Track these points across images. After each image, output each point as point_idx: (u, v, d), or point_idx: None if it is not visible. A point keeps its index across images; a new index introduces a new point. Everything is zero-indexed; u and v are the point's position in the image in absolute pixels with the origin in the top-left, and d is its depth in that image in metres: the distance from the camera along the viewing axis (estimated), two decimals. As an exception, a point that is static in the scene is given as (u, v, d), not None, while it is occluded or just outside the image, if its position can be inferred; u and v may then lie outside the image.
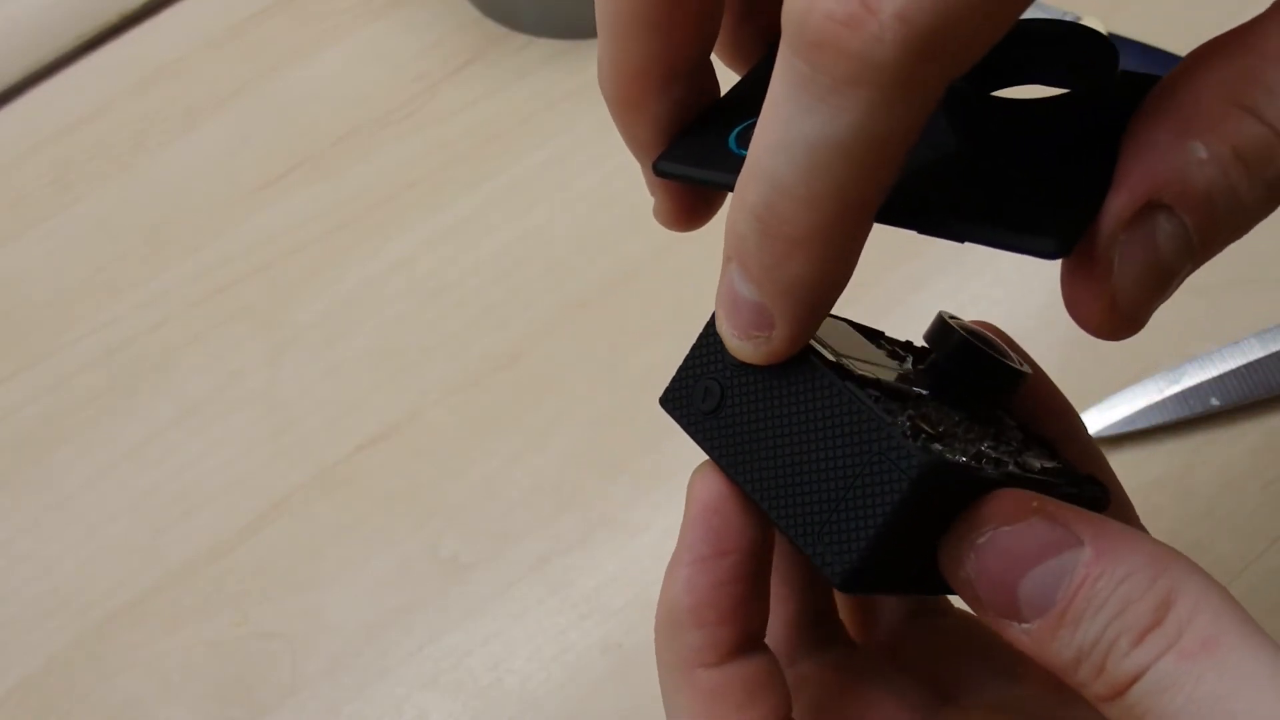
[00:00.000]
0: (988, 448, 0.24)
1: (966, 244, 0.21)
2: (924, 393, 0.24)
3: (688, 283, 0.49)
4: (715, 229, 0.54)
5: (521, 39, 0.57)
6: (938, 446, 0.22)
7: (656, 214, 0.25)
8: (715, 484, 0.24)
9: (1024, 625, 0.21)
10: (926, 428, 0.23)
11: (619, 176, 0.52)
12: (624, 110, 0.24)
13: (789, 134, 0.18)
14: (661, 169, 0.24)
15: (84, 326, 0.51)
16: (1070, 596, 0.20)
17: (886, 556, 0.22)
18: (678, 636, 0.24)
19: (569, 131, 0.54)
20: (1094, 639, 0.20)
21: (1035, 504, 0.21)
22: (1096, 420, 0.43)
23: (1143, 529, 0.26)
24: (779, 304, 0.20)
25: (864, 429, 0.22)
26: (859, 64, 0.17)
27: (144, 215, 0.54)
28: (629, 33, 0.23)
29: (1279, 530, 0.42)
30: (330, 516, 0.45)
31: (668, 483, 0.44)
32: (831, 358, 0.23)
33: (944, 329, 0.26)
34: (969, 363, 0.25)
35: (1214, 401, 0.42)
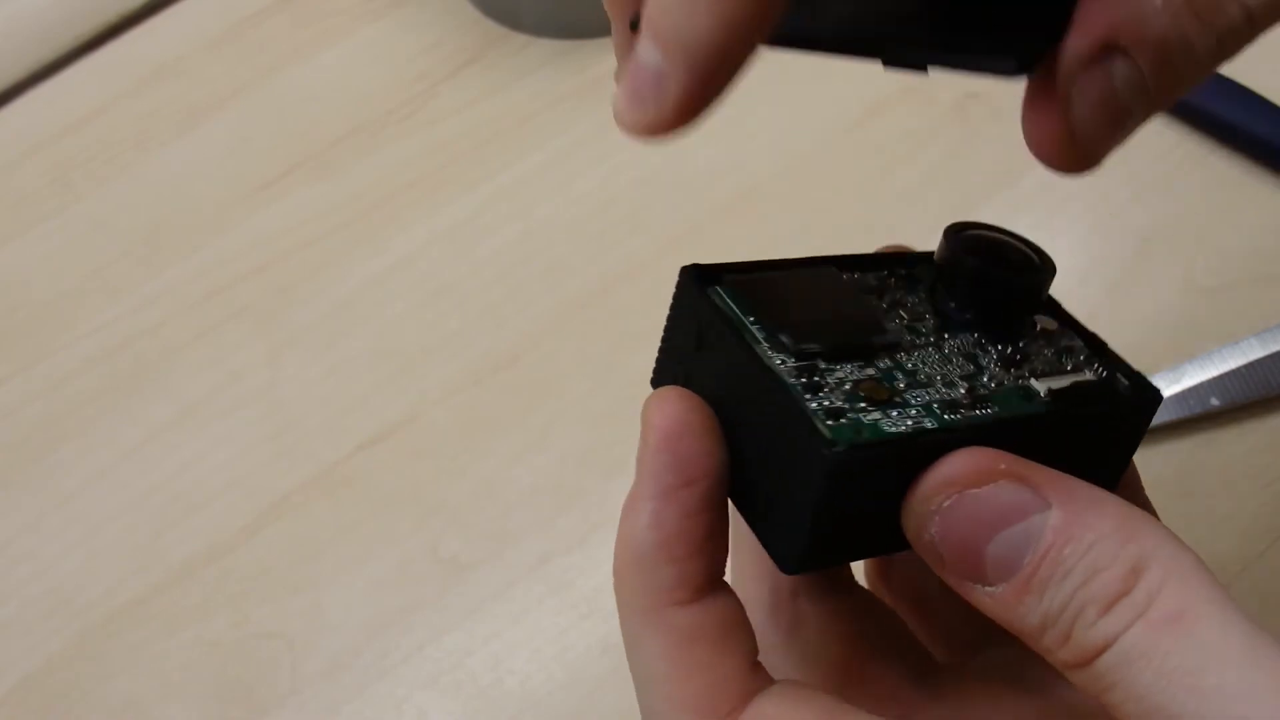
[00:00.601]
0: (969, 388, 0.23)
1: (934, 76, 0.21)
2: (898, 339, 0.24)
3: (688, 283, 0.49)
4: (710, 239, 0.54)
5: (521, 39, 0.57)
6: (874, 416, 0.22)
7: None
8: (675, 408, 0.23)
9: (989, 589, 0.20)
10: (862, 400, 0.22)
11: (619, 176, 0.53)
12: None
13: None
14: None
15: (84, 326, 0.51)
16: (1037, 562, 0.20)
17: (832, 536, 0.22)
18: (645, 575, 0.22)
19: (569, 131, 0.54)
20: (1060, 606, 0.20)
21: (1003, 465, 0.20)
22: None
23: (1152, 511, 0.25)
24: (677, 60, 0.19)
25: (786, 413, 0.22)
26: None
27: (144, 215, 0.54)
28: None
29: (1279, 530, 0.42)
30: (330, 516, 0.45)
31: (668, 483, 0.44)
32: (781, 335, 0.23)
33: (949, 252, 0.26)
34: (977, 289, 0.25)
35: (1214, 401, 0.42)
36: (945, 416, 0.22)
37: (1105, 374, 0.25)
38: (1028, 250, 0.26)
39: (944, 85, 0.53)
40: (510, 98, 0.55)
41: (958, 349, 0.24)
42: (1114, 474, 0.25)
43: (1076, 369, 0.24)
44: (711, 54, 0.19)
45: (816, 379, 0.22)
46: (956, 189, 0.50)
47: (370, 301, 0.50)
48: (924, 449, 0.21)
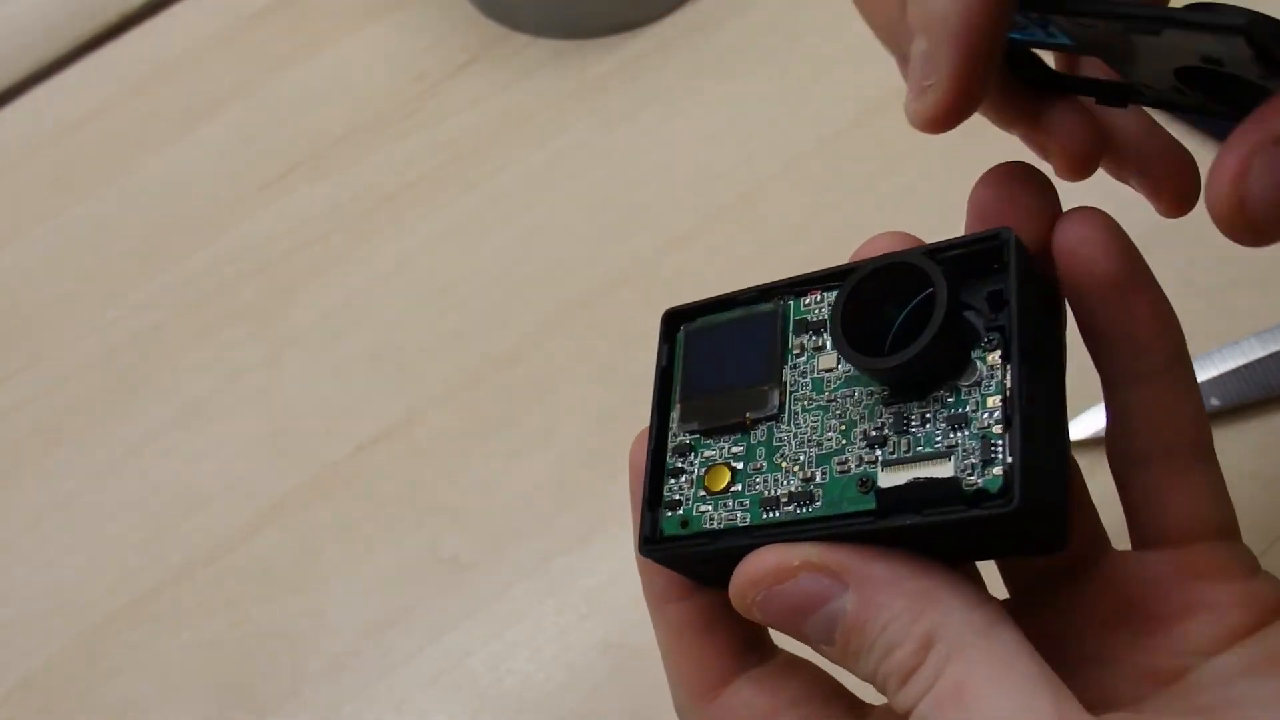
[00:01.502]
0: (804, 477, 0.24)
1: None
2: (775, 412, 0.25)
3: (688, 283, 0.49)
4: (710, 239, 0.54)
5: (521, 39, 0.57)
6: (704, 509, 0.25)
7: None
8: (644, 449, 0.26)
9: (822, 648, 0.23)
10: (702, 488, 0.25)
11: (619, 176, 0.53)
12: None
13: None
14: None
15: (84, 326, 0.51)
16: (845, 639, 0.22)
17: (692, 575, 0.26)
18: (649, 576, 0.27)
19: (569, 131, 0.54)
20: (870, 674, 0.22)
21: (797, 561, 0.22)
22: (1098, 421, 0.43)
23: (1224, 498, 0.26)
24: (941, 42, 0.21)
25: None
26: None
27: (144, 215, 0.54)
28: None
29: (1279, 531, 0.42)
30: (330, 516, 0.45)
31: (668, 483, 0.44)
32: (681, 405, 0.26)
33: (840, 305, 0.24)
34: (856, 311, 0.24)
35: (1214, 401, 0.42)
36: (764, 514, 0.24)
37: (975, 461, 0.22)
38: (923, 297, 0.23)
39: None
40: (510, 98, 0.55)
41: (839, 412, 0.24)
42: (985, 555, 0.25)
43: (942, 453, 0.22)
44: (966, 23, 0.20)
45: (681, 464, 0.26)
46: (956, 189, 0.50)
47: (370, 301, 0.50)
48: (731, 549, 0.24)
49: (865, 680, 0.23)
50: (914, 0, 0.21)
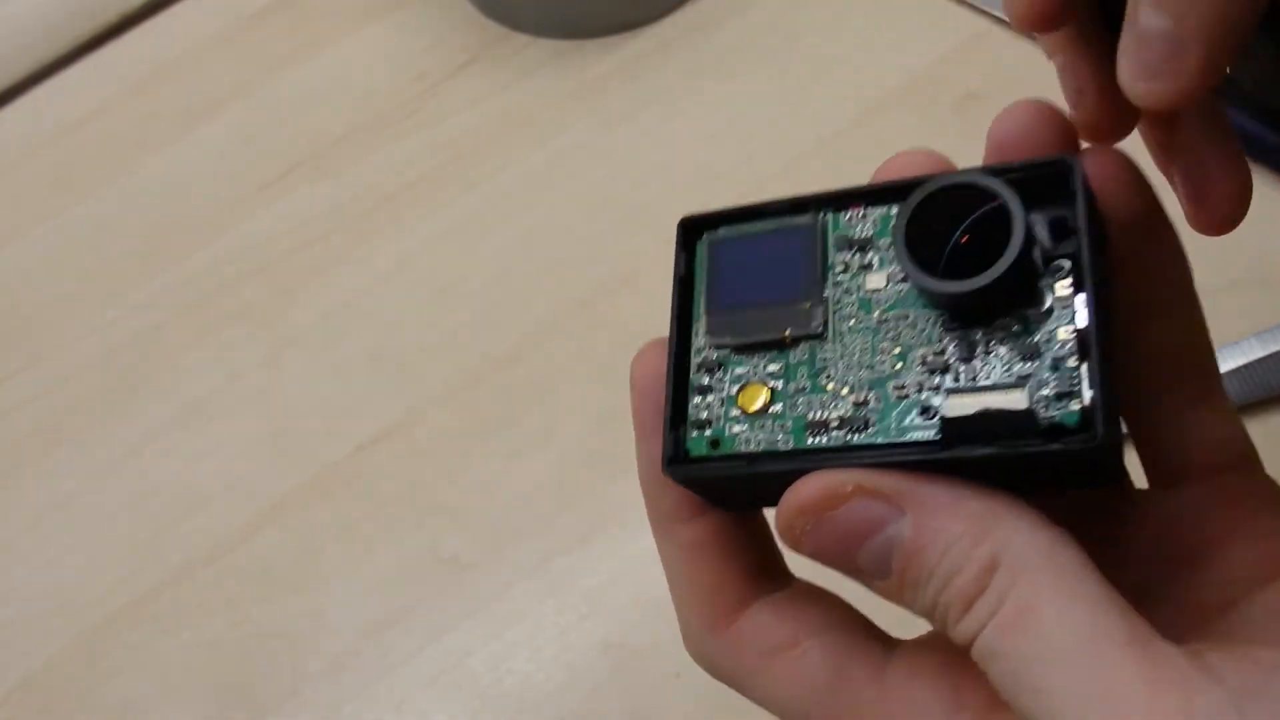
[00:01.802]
0: (858, 401, 0.22)
1: None
2: (819, 330, 0.23)
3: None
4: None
5: (521, 39, 0.57)
6: (738, 429, 0.23)
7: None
8: (651, 361, 0.25)
9: (877, 582, 0.22)
10: (736, 407, 0.23)
11: (619, 176, 0.52)
12: None
13: None
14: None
15: (84, 326, 0.51)
16: (901, 568, 0.21)
17: (720, 501, 0.25)
18: (653, 499, 0.25)
19: (569, 131, 0.54)
20: (930, 604, 0.21)
21: (850, 485, 0.21)
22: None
23: (1266, 478, 0.25)
24: (1193, 26, 0.19)
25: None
26: None
27: (144, 215, 0.54)
28: None
29: None
30: (330, 516, 0.45)
31: (668, 483, 0.44)
32: (708, 319, 0.24)
33: (909, 218, 0.23)
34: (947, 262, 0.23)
35: (1214, 401, 0.42)
36: (809, 439, 0.23)
37: (1051, 393, 0.21)
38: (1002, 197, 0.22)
39: (944, 85, 0.53)
40: (510, 98, 0.55)
41: (893, 334, 0.23)
42: (1044, 490, 0.23)
43: (1014, 384, 0.21)
44: (1231, 14, 0.19)
45: (708, 381, 0.24)
46: (956, 189, 0.50)
47: (370, 301, 0.50)
48: (772, 474, 0.23)
49: (923, 615, 0.21)
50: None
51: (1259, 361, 0.43)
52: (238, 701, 0.42)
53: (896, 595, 0.21)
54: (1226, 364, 0.42)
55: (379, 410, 0.47)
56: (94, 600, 0.44)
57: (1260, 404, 0.43)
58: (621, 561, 0.43)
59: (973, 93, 0.52)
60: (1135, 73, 0.20)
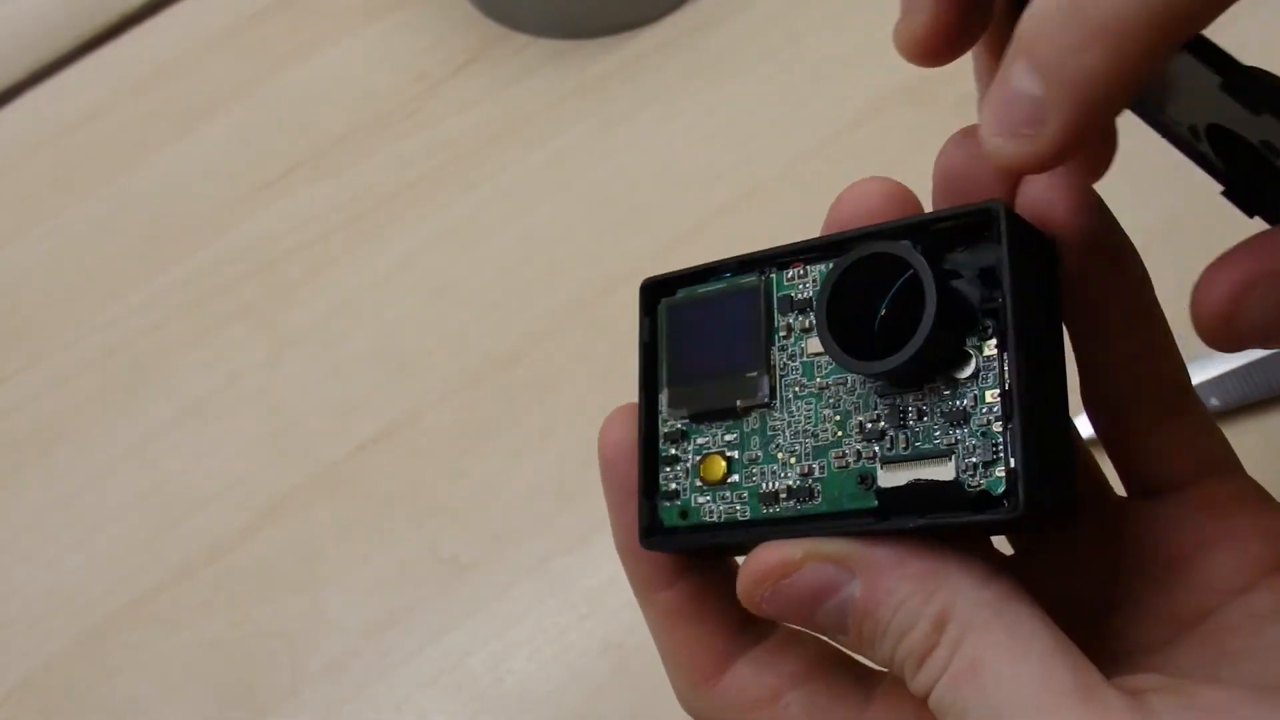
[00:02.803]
0: (803, 471, 0.23)
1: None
2: (765, 400, 0.24)
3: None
4: (710, 239, 0.54)
5: (521, 39, 0.57)
6: (703, 500, 0.24)
7: (906, 30, 0.22)
8: (615, 434, 0.26)
9: (838, 638, 0.23)
10: (699, 478, 0.24)
11: (619, 176, 0.52)
12: None
13: None
14: None
15: (84, 326, 0.51)
16: (857, 627, 0.22)
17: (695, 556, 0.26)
18: (630, 568, 0.26)
19: (569, 131, 0.54)
20: (887, 659, 0.22)
21: (800, 553, 0.22)
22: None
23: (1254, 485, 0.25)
24: (1061, 95, 0.19)
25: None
26: None
27: (144, 215, 0.54)
28: None
29: (1279, 530, 0.42)
30: (330, 516, 0.45)
31: (668, 483, 0.44)
32: (669, 390, 0.25)
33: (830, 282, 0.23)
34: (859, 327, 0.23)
35: (1214, 401, 0.42)
36: (764, 509, 0.24)
37: (977, 461, 0.21)
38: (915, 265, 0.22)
39: (944, 85, 0.53)
40: (510, 98, 0.55)
41: (833, 401, 0.23)
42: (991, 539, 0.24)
43: (943, 452, 0.21)
44: (1100, 92, 0.18)
45: (674, 451, 0.25)
46: (956, 189, 0.50)
47: (370, 301, 0.50)
48: (733, 543, 0.24)
49: (884, 666, 0.22)
50: (1033, 32, 0.19)
51: (1259, 361, 0.43)
52: (238, 701, 0.42)
53: (857, 649, 0.22)
54: (1227, 364, 0.43)
55: (379, 410, 0.47)
56: (94, 600, 0.44)
57: (1260, 404, 0.43)
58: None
59: (973, 93, 0.51)
60: (995, 129, 0.20)
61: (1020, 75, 0.19)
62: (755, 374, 0.24)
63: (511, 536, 0.44)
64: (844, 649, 0.24)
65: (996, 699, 0.20)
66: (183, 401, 0.48)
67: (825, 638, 0.23)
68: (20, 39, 0.59)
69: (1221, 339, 0.21)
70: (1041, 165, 0.20)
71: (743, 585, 0.23)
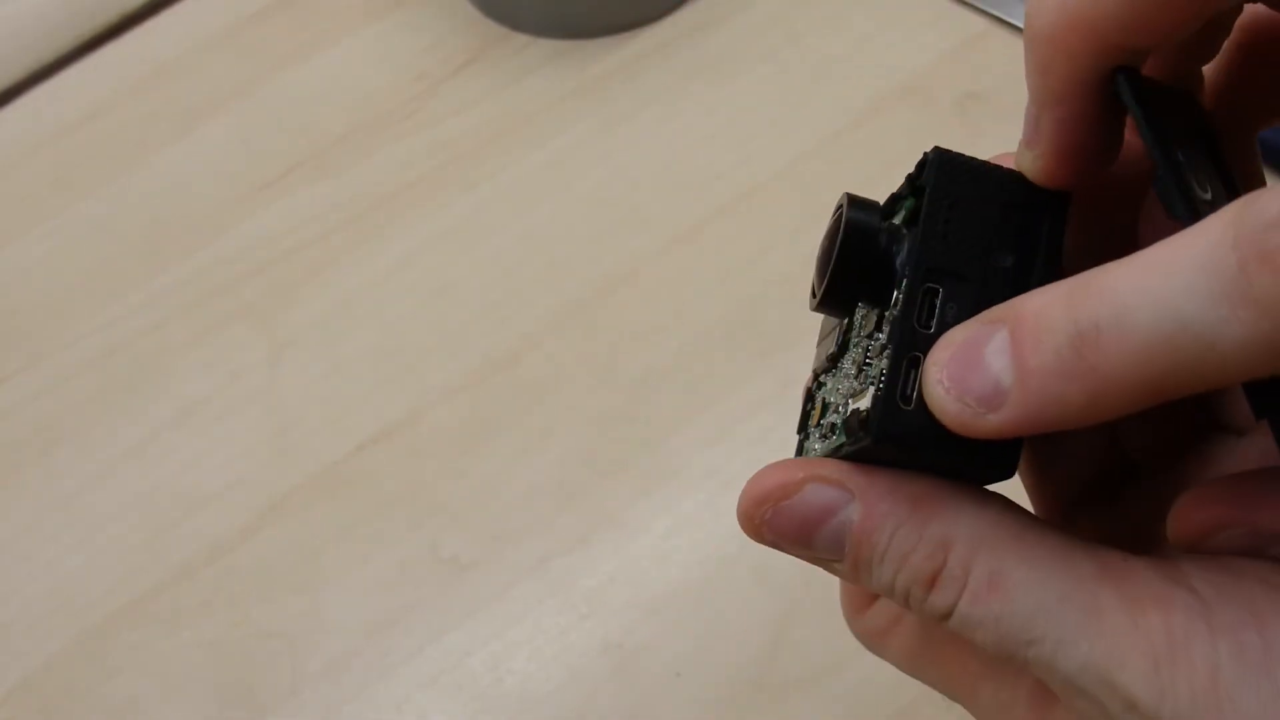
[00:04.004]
0: (843, 412, 0.24)
1: None
2: (839, 349, 0.24)
3: (688, 283, 0.49)
4: (710, 239, 0.54)
5: (521, 39, 0.57)
6: (809, 443, 0.25)
7: (1032, 155, 0.22)
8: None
9: (835, 564, 0.23)
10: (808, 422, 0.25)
11: (619, 176, 0.52)
12: (1054, 47, 0.21)
13: (1170, 299, 0.17)
14: (1121, 81, 0.21)
15: (84, 326, 0.51)
16: (854, 551, 0.22)
17: None
18: (850, 622, 0.27)
19: (569, 131, 0.54)
20: (889, 584, 0.22)
21: (802, 473, 0.23)
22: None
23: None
24: (1025, 404, 0.19)
25: None
26: None
27: (144, 215, 0.54)
28: None
29: None
30: (330, 516, 0.45)
31: (668, 483, 0.44)
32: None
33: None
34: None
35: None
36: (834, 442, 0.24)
37: (881, 389, 0.22)
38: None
39: (944, 85, 0.53)
40: (510, 98, 0.55)
41: (863, 346, 0.24)
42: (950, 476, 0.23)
43: (871, 382, 0.22)
44: (1063, 420, 0.19)
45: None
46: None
47: (370, 301, 0.50)
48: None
49: (882, 593, 0.23)
50: (1031, 323, 0.19)
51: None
52: (238, 701, 0.42)
53: (853, 576, 0.23)
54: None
55: (379, 410, 0.47)
56: (94, 600, 0.44)
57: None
58: (621, 561, 0.43)
59: (973, 93, 0.52)
60: (945, 381, 0.20)
61: (996, 354, 0.19)
62: (836, 326, 0.25)
63: (511, 536, 0.44)
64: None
65: (1026, 604, 0.20)
66: (183, 401, 0.48)
67: (821, 566, 0.24)
68: (20, 39, 0.59)
69: (1189, 549, 0.22)
70: (1050, 179, 0.21)
71: (743, 508, 0.23)
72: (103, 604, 0.44)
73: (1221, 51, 0.24)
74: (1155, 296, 0.17)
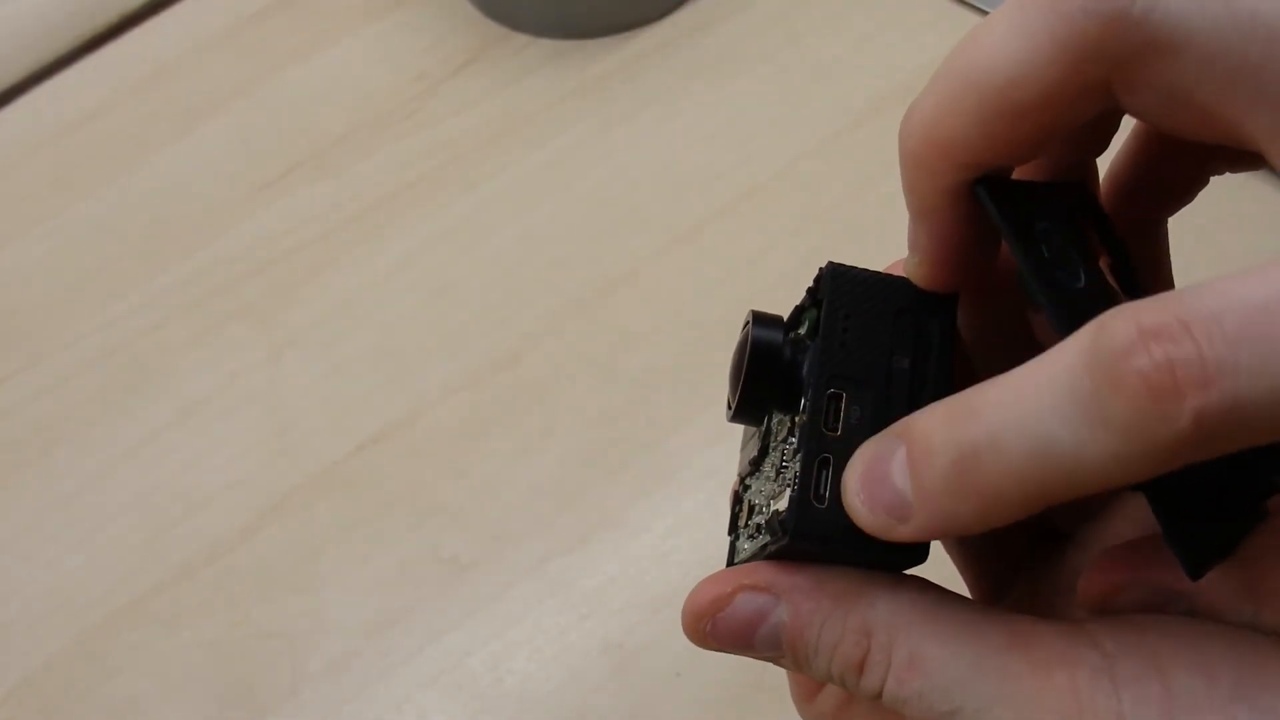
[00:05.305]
0: (768, 511, 0.25)
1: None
2: (767, 443, 0.25)
3: (688, 283, 0.49)
4: (710, 239, 0.54)
5: (521, 39, 0.57)
6: (739, 542, 0.26)
7: (914, 262, 0.24)
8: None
9: (779, 662, 0.24)
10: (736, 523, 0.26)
11: (619, 177, 0.53)
12: (918, 166, 0.24)
13: (1036, 422, 0.19)
14: (980, 191, 0.23)
15: (84, 326, 0.51)
16: (791, 648, 0.23)
17: None
18: (801, 710, 0.28)
19: (569, 131, 0.54)
20: (825, 674, 0.23)
21: (730, 587, 0.24)
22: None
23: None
24: (927, 518, 0.21)
25: None
26: (1140, 425, 0.17)
27: (144, 215, 0.54)
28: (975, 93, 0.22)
29: (1279, 530, 0.42)
30: (330, 516, 0.45)
31: (668, 483, 0.44)
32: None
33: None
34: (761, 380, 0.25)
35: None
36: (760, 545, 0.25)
37: (794, 492, 0.23)
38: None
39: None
40: (510, 98, 0.55)
41: (780, 450, 0.25)
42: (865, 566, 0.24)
43: (787, 484, 0.23)
44: (963, 529, 0.21)
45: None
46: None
47: (370, 301, 0.50)
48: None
49: (826, 681, 0.24)
50: (921, 448, 0.21)
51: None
52: (238, 701, 0.42)
53: (796, 669, 0.24)
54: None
55: (379, 410, 0.47)
56: (94, 600, 0.44)
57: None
58: (621, 561, 0.43)
59: (973, 93, 0.51)
60: (861, 494, 0.22)
61: (898, 471, 0.21)
62: (756, 432, 0.26)
63: (511, 536, 0.44)
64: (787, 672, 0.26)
65: (943, 678, 0.22)
66: (183, 401, 0.48)
67: (768, 661, 0.25)
68: (20, 39, 0.59)
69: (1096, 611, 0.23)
70: (932, 284, 0.23)
71: (685, 623, 0.24)
72: (103, 604, 0.44)
73: (1124, 143, 0.26)
74: (1023, 420, 0.19)
